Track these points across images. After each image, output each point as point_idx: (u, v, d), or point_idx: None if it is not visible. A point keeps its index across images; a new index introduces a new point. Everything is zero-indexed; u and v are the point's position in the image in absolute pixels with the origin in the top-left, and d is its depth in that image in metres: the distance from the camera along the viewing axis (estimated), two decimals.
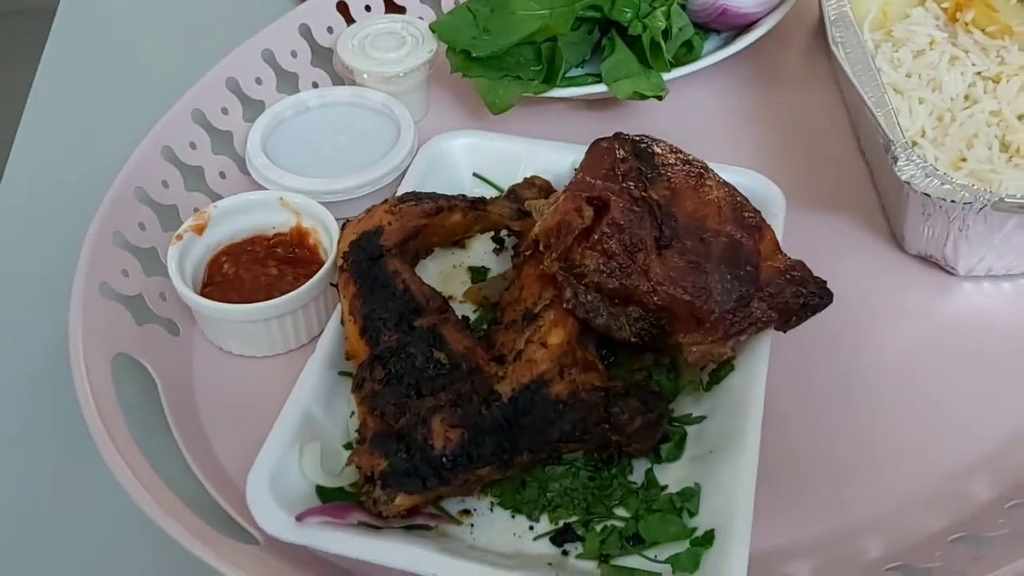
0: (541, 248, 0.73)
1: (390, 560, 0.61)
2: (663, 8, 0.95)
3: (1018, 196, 0.70)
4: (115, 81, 1.08)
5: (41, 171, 0.98)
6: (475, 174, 0.90)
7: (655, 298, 0.70)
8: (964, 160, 0.83)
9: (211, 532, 0.61)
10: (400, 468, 0.64)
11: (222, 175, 0.91)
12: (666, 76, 0.94)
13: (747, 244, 0.72)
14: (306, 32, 1.00)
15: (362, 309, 0.71)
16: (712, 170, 0.77)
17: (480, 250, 0.85)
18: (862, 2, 0.94)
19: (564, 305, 0.71)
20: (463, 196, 0.81)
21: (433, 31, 0.95)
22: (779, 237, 0.79)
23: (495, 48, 0.93)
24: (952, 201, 0.71)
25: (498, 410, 0.66)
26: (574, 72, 0.99)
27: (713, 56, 0.96)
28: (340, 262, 0.73)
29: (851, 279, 0.83)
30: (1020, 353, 0.78)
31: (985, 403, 0.75)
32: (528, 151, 0.89)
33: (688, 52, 0.98)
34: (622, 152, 0.76)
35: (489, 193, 0.89)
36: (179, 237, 0.79)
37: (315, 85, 1.00)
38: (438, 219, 0.78)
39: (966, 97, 0.87)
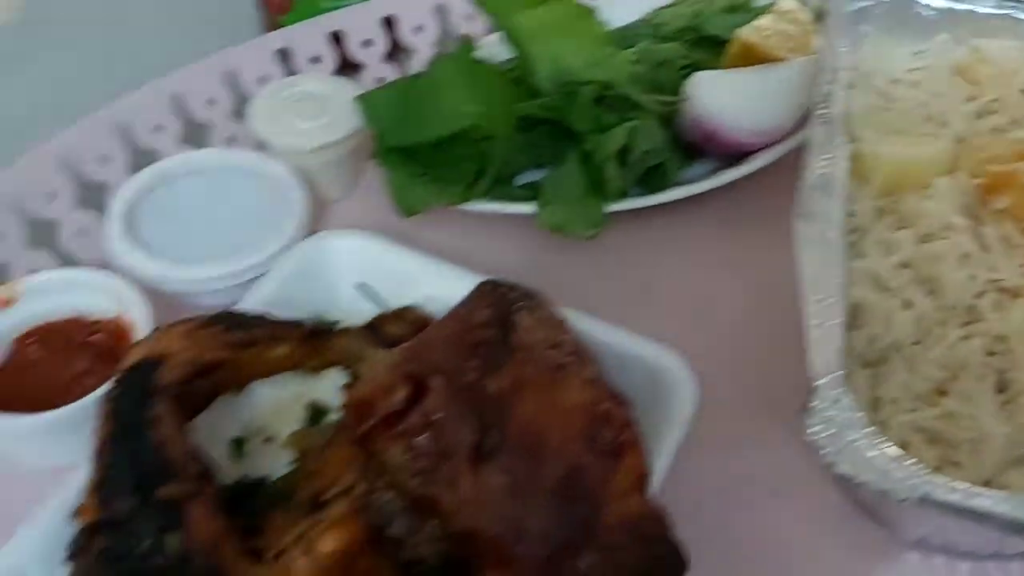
0: (346, 422, 0.59)
1: None
2: (633, 121, 0.78)
3: (948, 487, 0.51)
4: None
5: None
6: (360, 284, 0.76)
7: (457, 520, 0.55)
8: (944, 394, 0.63)
9: None
10: None
11: (82, 233, 0.79)
12: (612, 207, 0.77)
13: (592, 474, 0.55)
14: (232, 79, 0.88)
15: (106, 458, 0.58)
16: (589, 360, 0.60)
17: (333, 383, 0.71)
18: (872, 159, 0.75)
19: (353, 503, 0.57)
20: (299, 324, 0.67)
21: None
22: (673, 450, 0.62)
23: (416, 139, 0.78)
24: (856, 484, 0.53)
25: None
26: (529, 176, 0.83)
27: (671, 192, 0.78)
28: (107, 389, 0.61)
29: (769, 518, 0.66)
30: None
31: None
32: (425, 270, 0.74)
33: (661, 177, 0.81)
34: (485, 314, 0.61)
35: (371, 310, 0.75)
36: None
37: (231, 142, 0.88)
38: (251, 353, 0.64)
39: (971, 309, 0.67)
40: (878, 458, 0.53)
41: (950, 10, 0.85)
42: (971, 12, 0.84)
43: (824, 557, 0.64)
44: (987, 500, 0.51)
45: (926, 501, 0.51)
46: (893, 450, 0.54)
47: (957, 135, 0.79)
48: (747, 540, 0.64)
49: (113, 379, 0.61)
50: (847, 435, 0.54)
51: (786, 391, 0.70)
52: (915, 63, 0.85)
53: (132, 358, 0.61)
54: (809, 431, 0.54)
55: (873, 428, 0.55)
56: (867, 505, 0.64)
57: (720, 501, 0.66)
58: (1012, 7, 0.84)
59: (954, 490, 0.52)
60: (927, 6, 0.85)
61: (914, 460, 0.53)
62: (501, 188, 0.80)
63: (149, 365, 0.60)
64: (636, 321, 0.69)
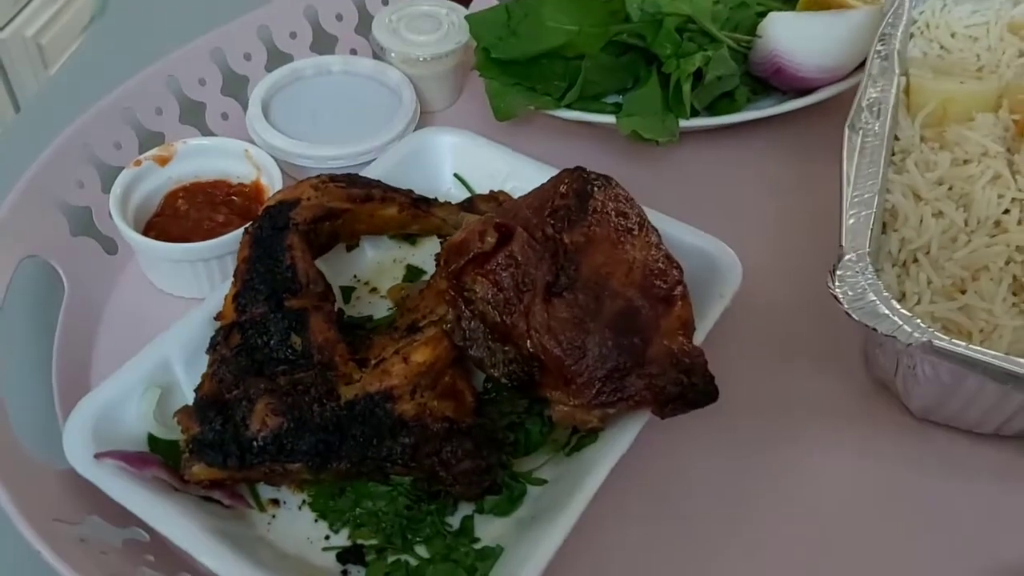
0: (441, 263, 0.71)
1: (152, 519, 0.60)
2: (708, 52, 0.88)
3: (948, 341, 0.60)
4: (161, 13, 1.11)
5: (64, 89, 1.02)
6: (455, 175, 0.87)
7: (528, 343, 0.65)
8: (963, 292, 0.72)
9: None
10: (208, 438, 0.63)
11: (224, 116, 0.92)
12: (684, 124, 0.88)
13: (645, 314, 0.66)
14: None
15: (244, 275, 0.70)
16: (652, 229, 0.70)
17: (427, 251, 0.83)
18: (922, 92, 0.83)
19: (443, 327, 0.68)
20: (409, 192, 0.79)
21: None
22: (716, 316, 0.72)
23: (517, 53, 0.89)
24: (873, 329, 0.62)
25: (331, 411, 0.64)
26: (613, 98, 0.94)
27: (736, 115, 0.88)
28: (249, 225, 0.73)
29: (797, 388, 0.75)
30: (954, 534, 0.68)
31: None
32: (513, 165, 0.85)
33: (730, 103, 0.91)
34: (565, 187, 0.71)
35: (464, 195, 0.86)
36: (138, 163, 0.81)
37: (353, 52, 1.00)
38: (366, 207, 0.76)
39: (996, 223, 0.75)
40: (891, 316, 0.63)
41: None
42: None
43: (838, 423, 0.73)
44: (980, 354, 0.60)
45: (929, 348, 0.60)
46: (904, 312, 0.63)
47: (1003, 80, 0.87)
48: (772, 396, 0.74)
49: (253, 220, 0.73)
50: (868, 296, 0.64)
51: (822, 282, 0.80)
52: (973, 20, 0.93)
53: (271, 200, 0.74)
54: (833, 289, 0.64)
55: (888, 295, 0.64)
56: (882, 377, 0.73)
57: (751, 368, 0.75)
58: None
59: (954, 343, 0.61)
60: None
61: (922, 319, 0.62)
62: (588, 103, 0.91)
63: (286, 205, 0.73)
64: (696, 221, 0.79)
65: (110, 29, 1.12)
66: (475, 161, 0.87)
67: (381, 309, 0.78)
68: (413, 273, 0.81)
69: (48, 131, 0.83)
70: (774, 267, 0.81)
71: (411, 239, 0.83)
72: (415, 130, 0.90)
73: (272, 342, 0.67)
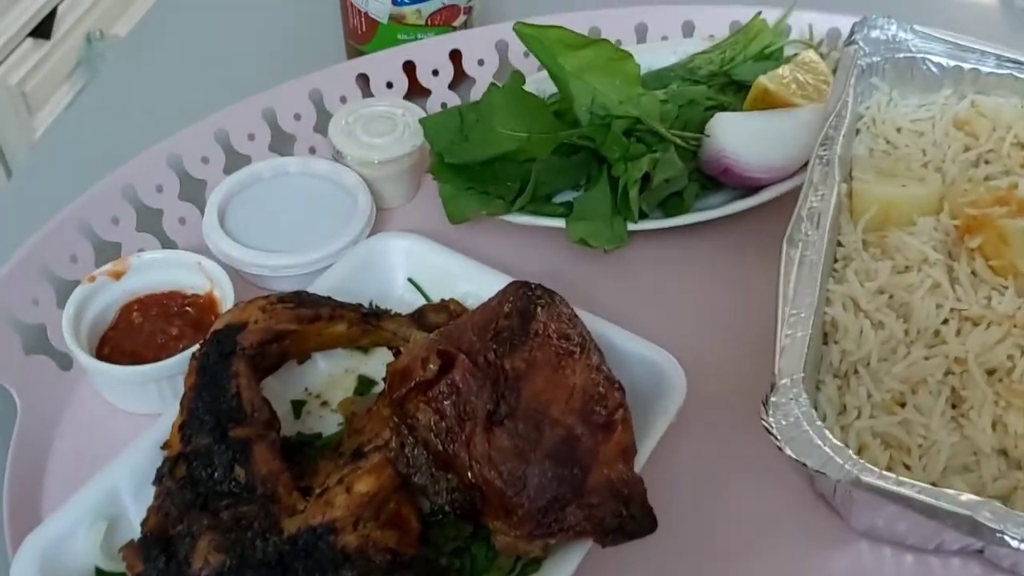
0: (385, 389, 0.72)
1: None
2: (656, 154, 0.90)
3: (876, 475, 0.61)
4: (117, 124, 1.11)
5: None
6: (410, 279, 0.88)
7: (469, 474, 0.66)
8: (902, 405, 0.73)
9: None
10: None
11: (182, 221, 0.93)
12: (633, 226, 0.89)
13: (584, 443, 0.66)
14: (316, 98, 1.02)
15: (191, 403, 0.71)
16: (594, 350, 0.71)
17: (379, 360, 0.83)
18: (864, 196, 0.85)
19: (387, 454, 0.69)
20: (356, 306, 0.80)
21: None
22: (660, 432, 0.73)
23: (468, 158, 0.90)
24: (805, 465, 0.63)
25: (273, 546, 0.65)
26: (566, 196, 0.95)
27: (684, 217, 0.89)
28: (196, 349, 0.74)
29: (743, 502, 0.76)
30: None
31: None
32: (466, 270, 0.86)
33: (679, 202, 0.93)
34: (509, 306, 0.73)
35: (418, 301, 0.87)
36: (92, 279, 0.82)
37: (312, 151, 1.01)
38: (315, 327, 0.77)
39: (936, 333, 0.77)
40: (823, 447, 0.64)
41: (955, 67, 0.94)
42: (975, 70, 0.94)
43: (783, 540, 0.74)
44: (909, 488, 0.61)
45: (858, 483, 0.61)
46: (837, 443, 0.64)
47: (947, 180, 0.88)
48: (718, 510, 0.75)
49: (202, 341, 0.74)
50: (802, 426, 0.65)
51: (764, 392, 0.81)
52: (919, 115, 0.95)
53: (219, 324, 0.75)
54: (766, 419, 0.65)
55: (822, 424, 0.65)
56: (824, 494, 0.74)
57: (696, 482, 0.76)
58: (1013, 67, 0.94)
59: (883, 477, 0.62)
60: (933, 63, 0.95)
61: (853, 452, 0.63)
62: (540, 204, 0.92)
63: (232, 329, 0.74)
64: (643, 326, 0.80)
65: (64, 138, 1.13)
66: (428, 265, 0.88)
67: (331, 424, 0.79)
68: (364, 385, 0.82)
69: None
70: (721, 372, 0.82)
71: (363, 349, 0.84)
72: (371, 230, 0.92)
73: (216, 475, 0.68)
